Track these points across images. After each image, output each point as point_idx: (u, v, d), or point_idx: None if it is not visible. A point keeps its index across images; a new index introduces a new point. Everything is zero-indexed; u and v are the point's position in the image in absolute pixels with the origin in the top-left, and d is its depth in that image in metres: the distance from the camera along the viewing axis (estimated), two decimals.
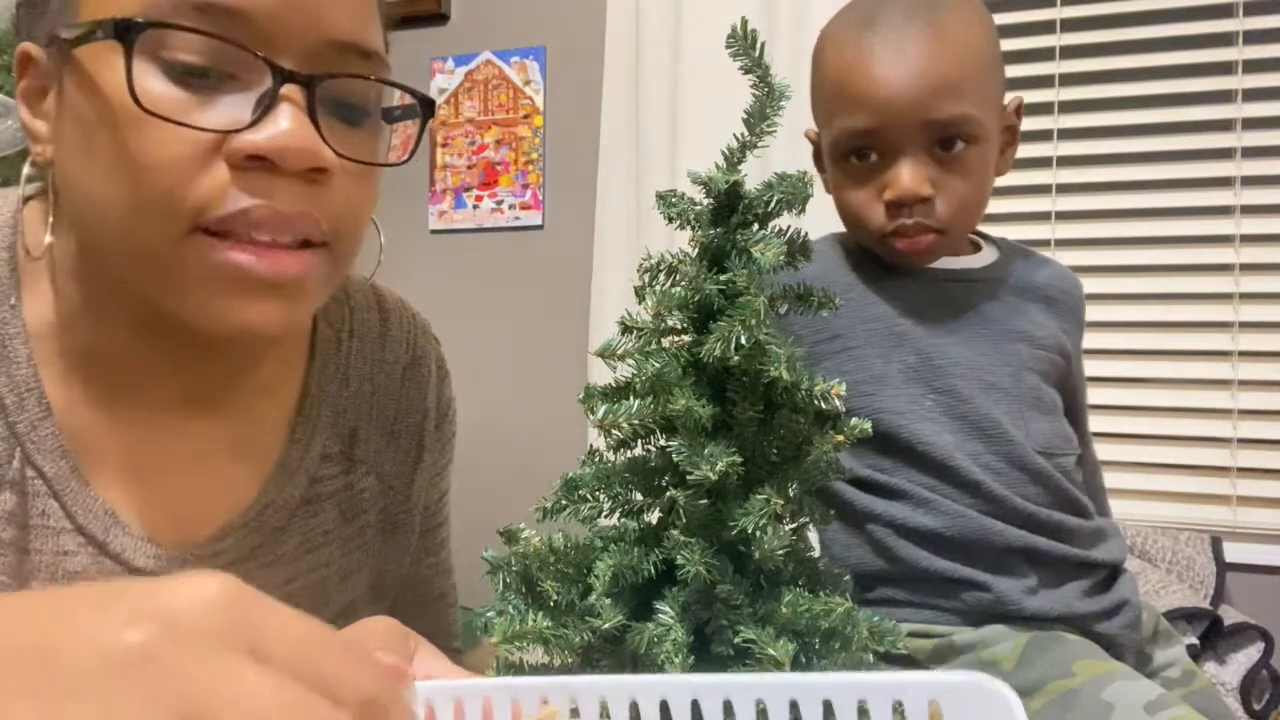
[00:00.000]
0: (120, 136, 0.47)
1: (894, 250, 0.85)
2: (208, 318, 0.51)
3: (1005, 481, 0.81)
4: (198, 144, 0.47)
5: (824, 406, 0.56)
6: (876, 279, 0.87)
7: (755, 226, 0.56)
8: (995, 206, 1.93)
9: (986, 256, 0.93)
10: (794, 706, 0.41)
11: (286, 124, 0.48)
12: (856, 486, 0.84)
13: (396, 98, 0.58)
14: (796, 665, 0.50)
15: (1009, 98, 0.90)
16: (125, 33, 0.46)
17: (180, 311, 0.51)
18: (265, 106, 0.48)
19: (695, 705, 0.41)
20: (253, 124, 0.48)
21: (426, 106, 0.57)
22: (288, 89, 0.49)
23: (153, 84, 0.47)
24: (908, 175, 0.81)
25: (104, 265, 0.53)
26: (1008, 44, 1.91)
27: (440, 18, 2.29)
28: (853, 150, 0.84)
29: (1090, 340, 1.85)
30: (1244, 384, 1.78)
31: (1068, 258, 1.88)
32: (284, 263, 0.50)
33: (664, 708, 0.40)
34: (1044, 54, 1.90)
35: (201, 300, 0.50)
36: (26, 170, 0.55)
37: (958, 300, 0.87)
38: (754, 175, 0.57)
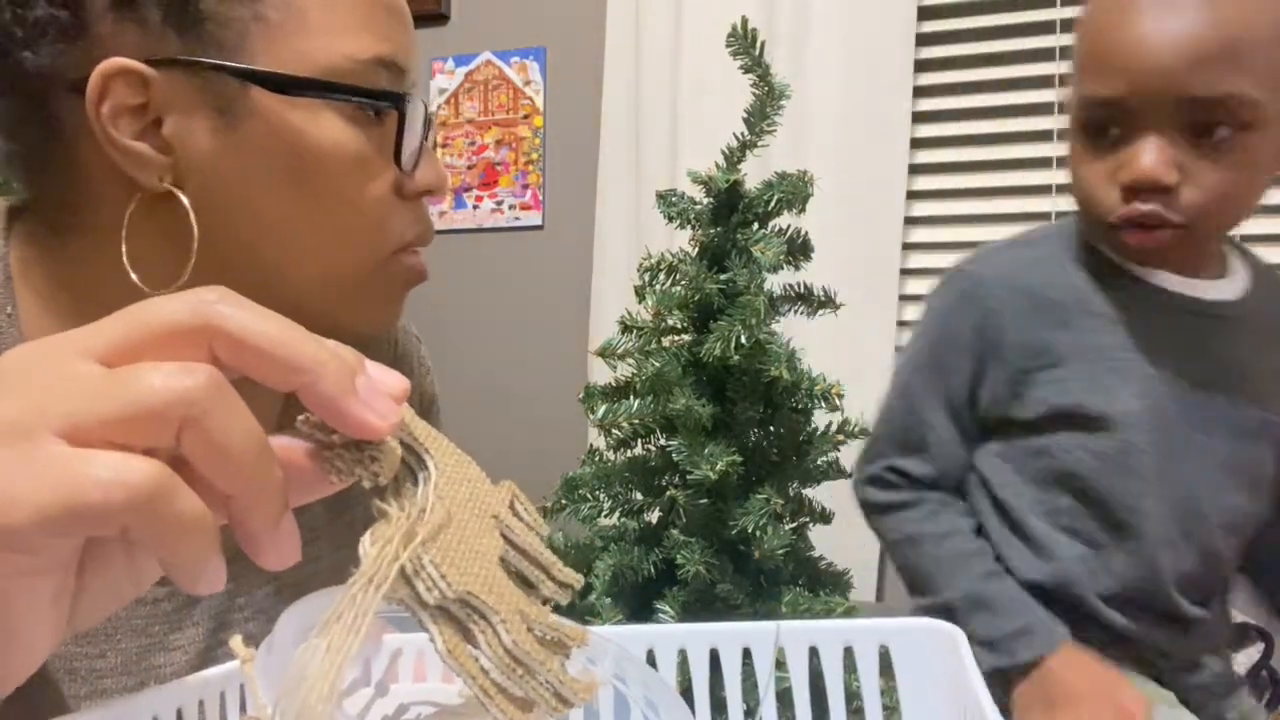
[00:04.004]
0: (336, 183, 0.53)
1: (1121, 243, 0.73)
2: (382, 318, 0.59)
3: (1176, 557, 0.76)
4: (384, 183, 0.55)
5: (824, 406, 0.56)
6: (1104, 294, 0.76)
7: (755, 226, 0.56)
8: (989, 206, 1.93)
9: (1237, 283, 0.78)
10: (746, 653, 0.43)
11: (437, 163, 0.57)
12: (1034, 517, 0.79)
13: None
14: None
15: None
16: (397, 102, 0.53)
17: (355, 319, 0.58)
18: (422, 150, 0.56)
19: (650, 653, 0.44)
20: (416, 164, 0.56)
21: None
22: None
23: (343, 133, 0.53)
24: (1149, 157, 0.67)
25: (262, 289, 0.54)
26: (1007, 45, 1.91)
27: (440, 18, 2.29)
28: (1093, 120, 0.72)
29: None
30: None
31: None
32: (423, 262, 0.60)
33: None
34: (1044, 55, 1.90)
35: (384, 305, 0.59)
36: (122, 209, 0.51)
37: (1193, 339, 0.75)
38: (755, 175, 0.57)
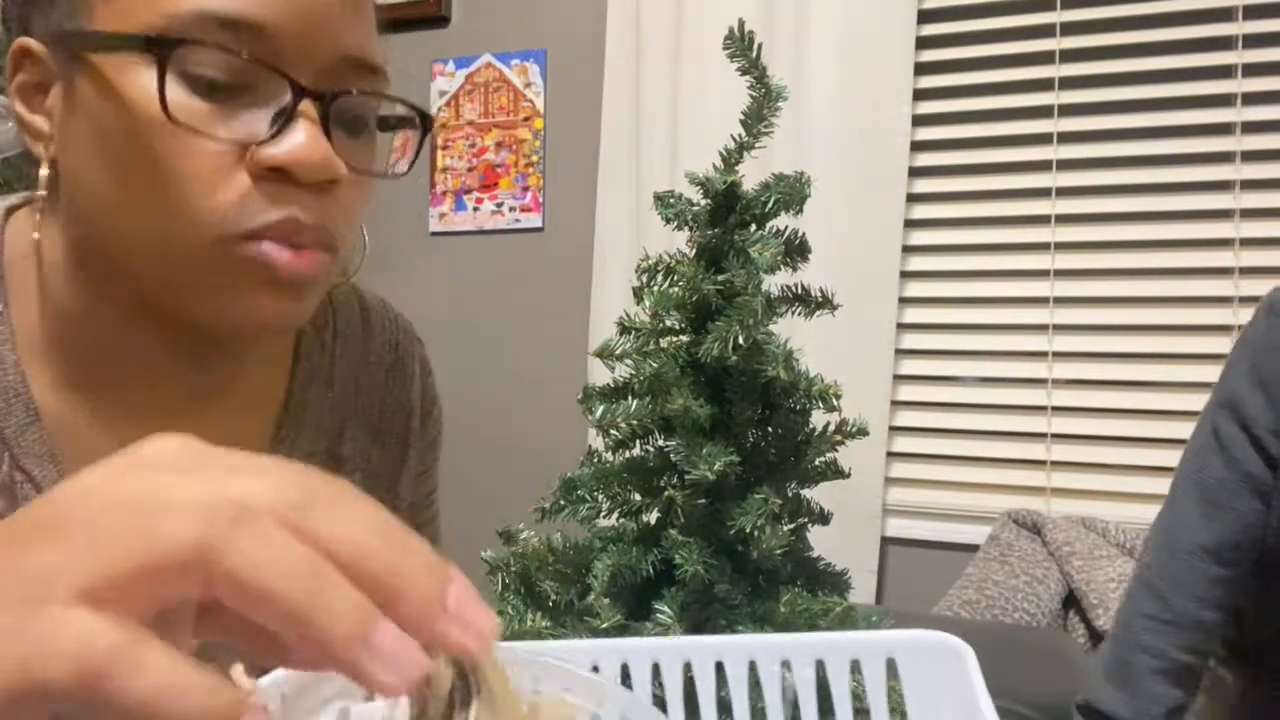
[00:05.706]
0: (144, 145, 0.49)
1: None
2: (229, 315, 0.53)
3: None
4: (220, 155, 0.50)
5: (822, 406, 0.56)
6: None
7: (753, 227, 0.56)
8: (989, 209, 1.93)
9: None
10: (752, 667, 0.43)
11: (303, 138, 0.50)
12: None
13: (395, 106, 0.59)
14: None
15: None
16: (159, 49, 0.48)
17: (200, 310, 0.53)
18: (283, 121, 0.50)
19: (655, 668, 0.44)
20: (271, 137, 0.50)
21: (425, 120, 0.59)
22: (304, 105, 0.51)
23: (177, 96, 0.49)
24: None
25: (112, 266, 0.53)
26: (1007, 48, 1.91)
27: (441, 20, 2.29)
28: None
29: (1091, 344, 1.86)
30: None
31: (1069, 260, 1.88)
32: (302, 261, 0.52)
33: (625, 669, 0.44)
34: (1045, 58, 1.90)
35: (227, 299, 0.52)
36: (44, 173, 0.53)
37: None
38: (754, 176, 0.57)
